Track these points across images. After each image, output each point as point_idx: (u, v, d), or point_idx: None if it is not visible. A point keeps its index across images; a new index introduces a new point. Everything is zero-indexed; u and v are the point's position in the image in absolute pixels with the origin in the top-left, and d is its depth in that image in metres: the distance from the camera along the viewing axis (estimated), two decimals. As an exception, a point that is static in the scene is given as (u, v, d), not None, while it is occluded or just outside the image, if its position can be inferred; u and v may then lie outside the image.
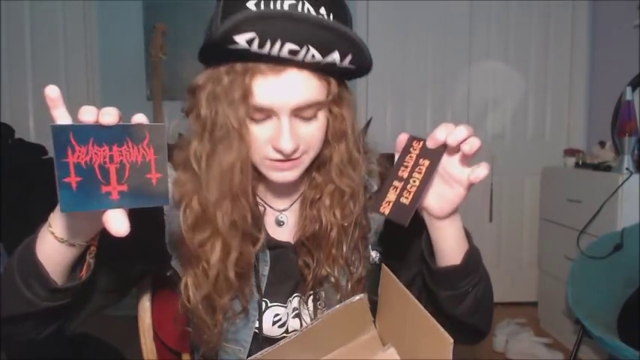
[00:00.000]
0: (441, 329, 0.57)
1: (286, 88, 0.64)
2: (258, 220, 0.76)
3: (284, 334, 0.81)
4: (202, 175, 0.68)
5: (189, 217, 0.70)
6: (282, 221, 0.81)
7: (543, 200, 2.80)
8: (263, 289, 0.79)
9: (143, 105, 2.88)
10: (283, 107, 0.65)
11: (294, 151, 0.67)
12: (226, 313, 0.75)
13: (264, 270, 0.78)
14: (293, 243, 0.79)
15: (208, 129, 0.68)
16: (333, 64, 0.63)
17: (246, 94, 0.64)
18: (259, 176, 0.75)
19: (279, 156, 0.68)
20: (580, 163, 2.55)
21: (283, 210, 0.81)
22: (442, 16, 2.99)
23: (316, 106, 0.67)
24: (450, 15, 2.99)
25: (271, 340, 0.77)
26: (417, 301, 0.62)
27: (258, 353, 0.69)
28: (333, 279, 0.77)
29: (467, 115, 3.06)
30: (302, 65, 0.63)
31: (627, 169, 2.09)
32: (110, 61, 2.93)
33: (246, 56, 0.62)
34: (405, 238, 0.81)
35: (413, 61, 3.02)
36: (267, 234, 0.78)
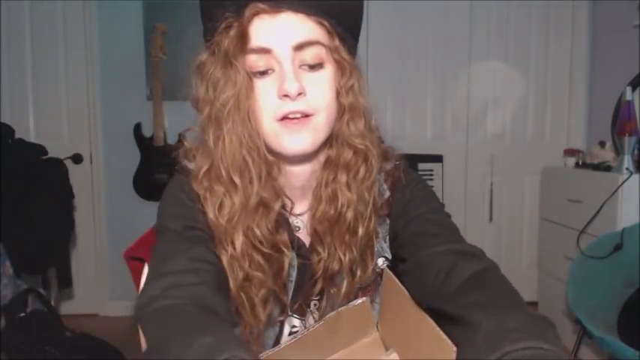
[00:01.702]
0: (444, 336, 0.56)
1: (283, 27, 0.64)
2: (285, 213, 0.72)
3: None
4: (213, 145, 0.67)
5: (212, 200, 0.68)
6: (298, 226, 0.77)
7: (543, 200, 2.80)
8: (290, 293, 0.74)
9: (143, 105, 2.88)
10: (283, 47, 0.64)
11: (300, 95, 0.65)
12: (267, 311, 0.70)
13: (292, 275, 0.73)
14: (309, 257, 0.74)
15: (214, 95, 0.67)
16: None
17: (244, 33, 0.64)
18: (275, 175, 0.72)
19: (287, 105, 0.65)
20: (580, 163, 2.55)
21: (299, 214, 0.77)
22: (442, 16, 2.99)
23: (317, 46, 0.66)
24: (450, 15, 2.99)
25: None
26: (417, 306, 0.62)
27: (261, 355, 0.68)
28: (343, 275, 0.71)
29: (467, 115, 3.06)
30: (296, 7, 0.64)
31: (627, 169, 2.08)
32: (110, 61, 2.92)
33: (238, 2, 0.64)
34: (418, 238, 0.76)
35: (413, 61, 3.02)
36: (293, 234, 0.74)
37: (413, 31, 3.00)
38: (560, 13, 3.01)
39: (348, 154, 0.71)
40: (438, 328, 0.58)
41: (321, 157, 0.74)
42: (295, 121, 0.66)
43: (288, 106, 0.65)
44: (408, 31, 3.00)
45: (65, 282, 2.54)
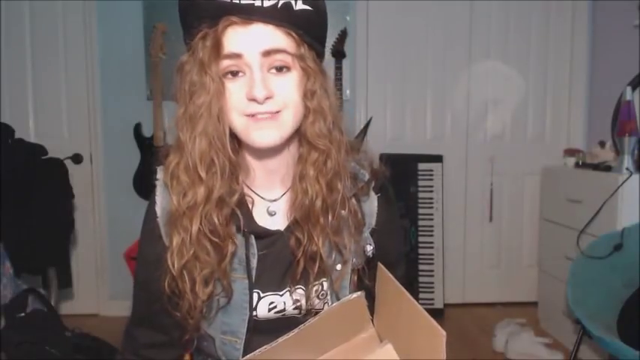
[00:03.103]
0: (435, 323, 0.57)
1: (253, 36, 0.70)
2: (244, 205, 0.79)
3: (281, 317, 0.83)
4: (186, 140, 0.74)
5: (178, 188, 0.76)
6: (274, 211, 0.83)
7: (543, 200, 2.80)
8: (253, 279, 0.81)
9: (143, 105, 2.88)
10: (252, 53, 0.70)
11: (268, 99, 0.71)
12: (210, 297, 0.78)
13: (253, 262, 0.80)
14: (283, 229, 0.81)
15: (188, 95, 0.74)
16: (289, 7, 0.69)
17: (218, 46, 0.70)
18: (249, 163, 0.81)
19: (254, 107, 0.72)
20: (580, 163, 2.55)
21: (274, 200, 0.83)
22: (442, 16, 2.99)
23: (283, 54, 0.72)
24: (450, 15, 2.99)
25: (267, 330, 0.79)
26: (411, 296, 0.63)
27: (257, 350, 0.69)
28: (322, 255, 0.78)
29: (467, 115, 3.07)
30: (266, 18, 0.69)
31: (627, 169, 2.09)
32: (110, 61, 2.93)
33: (213, 11, 0.69)
34: (385, 241, 0.86)
35: (413, 61, 3.02)
36: (256, 223, 0.81)
37: (413, 31, 3.00)
38: (560, 13, 3.01)
39: (314, 154, 0.78)
40: (428, 316, 0.59)
41: (294, 152, 0.81)
42: (263, 119, 0.73)
43: (256, 108, 0.72)
44: (408, 30, 3.00)
45: (65, 282, 2.54)
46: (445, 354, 0.56)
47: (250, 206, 0.80)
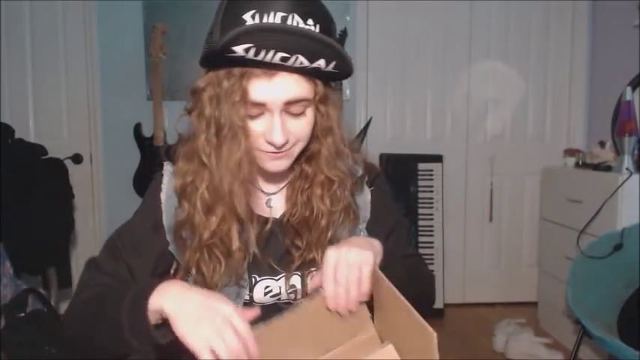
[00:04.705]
0: (426, 324, 0.58)
1: (278, 87, 0.72)
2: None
3: (276, 301, 0.86)
4: (212, 168, 0.76)
5: (202, 205, 0.78)
6: (271, 204, 0.87)
7: (543, 200, 2.80)
8: (251, 259, 0.83)
9: (143, 105, 2.88)
10: (275, 103, 0.73)
11: (285, 144, 0.75)
12: (223, 269, 0.80)
13: (250, 247, 0.82)
14: (277, 217, 0.85)
15: (213, 127, 0.75)
16: (318, 69, 0.71)
17: (245, 95, 0.72)
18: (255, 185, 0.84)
19: (271, 148, 0.75)
20: (580, 163, 2.55)
21: (272, 194, 0.87)
22: (442, 16, 2.99)
23: (304, 102, 0.75)
24: (450, 15, 2.99)
25: (261, 317, 0.79)
26: (403, 298, 0.63)
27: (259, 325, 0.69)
28: (319, 261, 0.81)
29: (467, 115, 3.07)
30: (291, 69, 0.71)
31: (627, 169, 2.09)
32: (110, 61, 2.92)
33: (242, 62, 0.70)
34: (381, 220, 0.90)
35: (413, 61, 3.02)
36: (253, 212, 0.84)
37: (413, 31, 3.00)
38: (560, 13, 3.01)
39: (321, 177, 0.82)
40: (419, 317, 0.60)
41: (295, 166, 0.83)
42: (276, 153, 0.77)
43: (272, 149, 0.76)
44: (408, 30, 3.00)
45: (65, 282, 2.54)
46: (437, 354, 0.57)
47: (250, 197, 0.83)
